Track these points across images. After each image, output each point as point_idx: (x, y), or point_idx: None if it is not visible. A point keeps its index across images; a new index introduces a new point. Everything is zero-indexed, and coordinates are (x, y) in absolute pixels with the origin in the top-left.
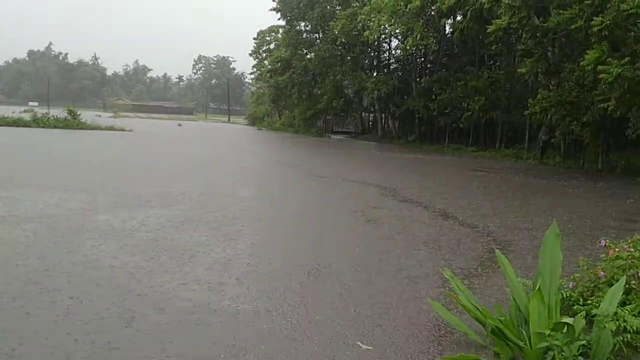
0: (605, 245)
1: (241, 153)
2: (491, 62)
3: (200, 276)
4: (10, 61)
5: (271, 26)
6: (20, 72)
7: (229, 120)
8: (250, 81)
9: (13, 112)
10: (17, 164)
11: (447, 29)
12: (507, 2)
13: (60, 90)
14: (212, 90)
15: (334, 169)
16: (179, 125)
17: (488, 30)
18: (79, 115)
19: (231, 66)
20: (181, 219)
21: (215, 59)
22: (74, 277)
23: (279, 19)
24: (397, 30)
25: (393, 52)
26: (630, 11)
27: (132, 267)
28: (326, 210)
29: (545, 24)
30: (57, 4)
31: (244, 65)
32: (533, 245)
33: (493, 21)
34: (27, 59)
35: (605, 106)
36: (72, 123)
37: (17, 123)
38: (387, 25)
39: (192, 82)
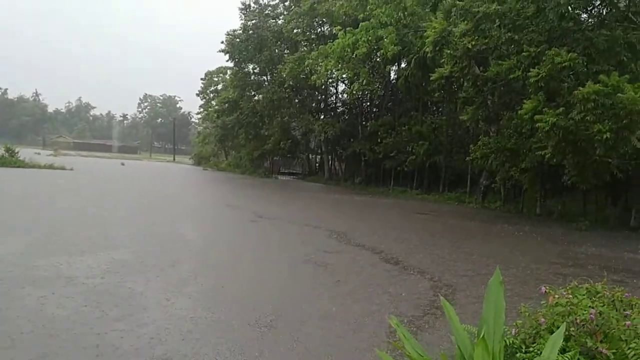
0: (545, 291)
1: (187, 194)
2: (434, 108)
3: (141, 326)
4: None
5: (219, 67)
6: None
7: (174, 159)
8: (196, 121)
9: None
10: None
11: (392, 75)
12: (449, 52)
13: None
14: (157, 130)
15: (282, 211)
16: (122, 164)
17: (431, 78)
18: (17, 152)
19: (177, 105)
20: (122, 265)
21: (161, 97)
22: (17, 325)
23: (227, 61)
24: (344, 75)
25: (340, 95)
26: (563, 64)
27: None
28: (274, 254)
29: (485, 74)
30: None
31: (191, 105)
32: (478, 291)
33: (436, 69)
34: None
35: (543, 153)
36: (9, 161)
37: None
38: (334, 70)
39: (137, 121)
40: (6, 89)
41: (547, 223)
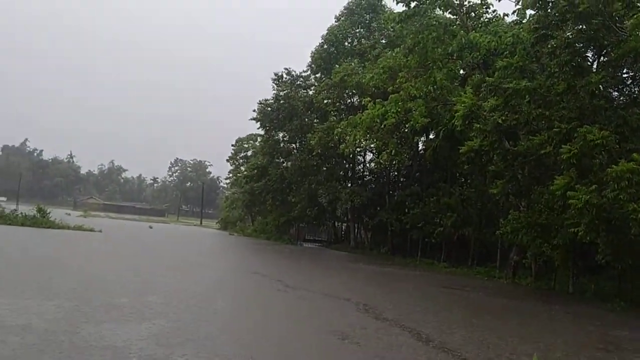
0: None
1: (214, 260)
2: (463, 180)
3: None
4: None
5: (250, 134)
6: None
7: (201, 223)
8: (225, 186)
9: None
10: None
11: (420, 146)
12: (478, 126)
13: (32, 186)
14: (186, 193)
15: (308, 280)
16: (150, 227)
17: (460, 151)
18: (49, 213)
19: (207, 170)
20: (166, 336)
21: (191, 162)
22: None
23: (258, 128)
24: (372, 145)
25: (367, 164)
26: (596, 142)
27: None
28: (302, 328)
29: (516, 148)
30: (38, 102)
31: (220, 170)
32: None
33: (465, 142)
34: (0, 153)
35: (575, 230)
36: (40, 221)
37: None
38: (362, 140)
39: (167, 184)
40: (41, 150)
41: (581, 302)
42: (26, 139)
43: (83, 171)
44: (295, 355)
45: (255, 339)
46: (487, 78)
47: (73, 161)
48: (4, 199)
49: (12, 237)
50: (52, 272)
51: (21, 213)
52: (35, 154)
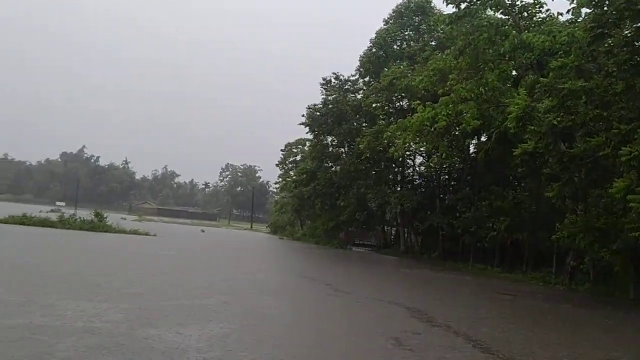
0: None
1: (265, 264)
2: (517, 184)
3: None
4: (43, 162)
5: (299, 139)
6: (52, 173)
7: (251, 228)
8: (274, 190)
9: (40, 212)
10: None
11: (472, 149)
12: (533, 128)
13: (89, 192)
14: (236, 198)
15: (359, 285)
16: (202, 231)
17: (514, 154)
18: (106, 218)
19: (257, 175)
20: (224, 339)
21: (242, 167)
22: None
23: (307, 133)
24: (422, 149)
25: (417, 168)
26: None
27: None
28: (358, 333)
29: (572, 150)
30: (95, 111)
31: (269, 174)
32: None
33: (519, 145)
34: (59, 160)
35: (637, 235)
36: (98, 226)
37: (44, 224)
38: (412, 144)
39: (218, 189)
40: (98, 157)
41: None
42: (84, 146)
43: (138, 177)
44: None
45: (307, 344)
46: (541, 79)
47: (129, 167)
48: (63, 204)
49: (74, 241)
50: (112, 276)
51: (80, 218)
52: (92, 161)
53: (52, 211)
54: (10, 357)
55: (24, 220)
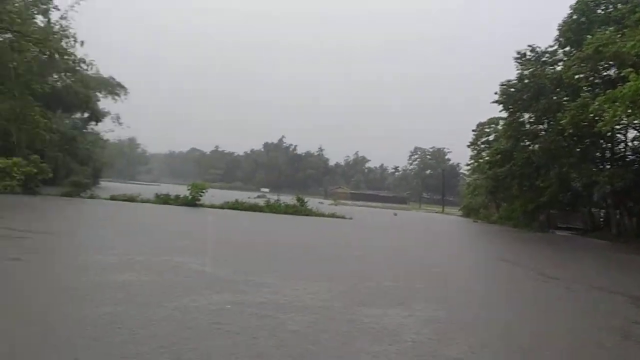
0: None
1: (465, 247)
2: None
3: None
4: (248, 152)
5: (491, 118)
6: (256, 161)
7: (442, 211)
8: (465, 172)
9: (248, 197)
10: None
11: None
12: None
13: (288, 178)
14: (426, 181)
15: (565, 270)
16: (395, 214)
17: None
18: (306, 202)
19: (446, 157)
20: (422, 318)
21: (430, 150)
22: None
23: (500, 111)
24: (636, 121)
25: (630, 143)
26: None
27: None
28: (573, 321)
29: None
30: (292, 105)
31: (459, 156)
32: None
33: None
34: (262, 150)
35: None
36: (299, 209)
37: (253, 208)
38: (623, 116)
39: (407, 173)
40: (296, 146)
41: None
42: (283, 136)
43: (331, 163)
44: (579, 354)
45: (529, 329)
46: None
47: (323, 154)
48: (267, 190)
49: (284, 223)
50: (323, 258)
51: (283, 202)
52: (290, 149)
53: (258, 197)
54: (246, 327)
55: (236, 205)
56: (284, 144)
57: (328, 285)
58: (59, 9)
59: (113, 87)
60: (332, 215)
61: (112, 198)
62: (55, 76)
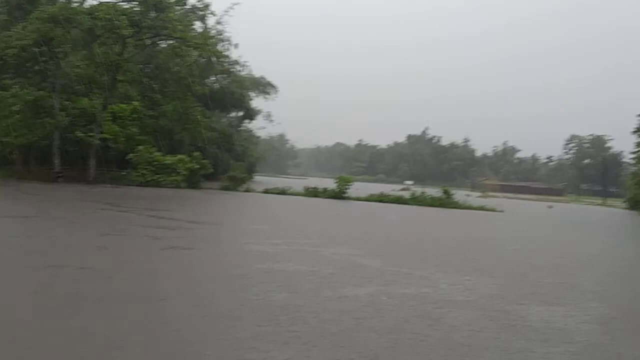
0: None
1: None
2: None
3: None
4: (391, 144)
5: None
6: (400, 154)
7: (603, 203)
8: (630, 161)
9: (392, 190)
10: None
11: None
12: None
13: (432, 170)
14: (584, 171)
15: None
16: (550, 207)
17: None
18: (453, 194)
19: (606, 145)
20: (593, 317)
21: (589, 138)
22: None
23: None
24: None
25: None
26: None
27: None
28: None
29: None
30: (435, 96)
31: (623, 144)
32: None
33: None
34: (405, 142)
35: None
36: (446, 202)
37: (398, 200)
38: None
39: (562, 163)
40: (440, 137)
41: None
42: (426, 128)
43: (478, 154)
44: None
45: None
46: None
47: (468, 145)
48: (411, 182)
49: (433, 217)
50: (481, 252)
51: (429, 195)
52: (434, 141)
53: (402, 189)
54: (401, 317)
55: (382, 198)
56: (428, 136)
57: (486, 281)
58: (215, 14)
59: (264, 87)
60: (481, 208)
61: (266, 191)
62: (213, 78)
